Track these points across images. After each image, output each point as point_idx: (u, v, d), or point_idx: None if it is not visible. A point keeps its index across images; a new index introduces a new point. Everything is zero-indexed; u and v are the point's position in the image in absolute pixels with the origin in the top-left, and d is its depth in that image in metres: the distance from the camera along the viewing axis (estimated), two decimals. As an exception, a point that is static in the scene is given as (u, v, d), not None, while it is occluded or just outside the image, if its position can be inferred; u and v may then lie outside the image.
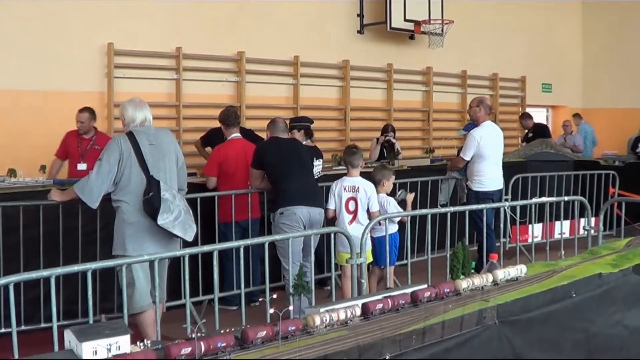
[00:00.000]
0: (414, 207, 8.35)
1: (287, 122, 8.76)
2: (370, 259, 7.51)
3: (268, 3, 12.41)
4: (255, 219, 8.50)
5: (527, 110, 17.82)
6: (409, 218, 7.19)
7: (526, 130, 15.35)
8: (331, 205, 7.70)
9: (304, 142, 8.90)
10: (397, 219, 7.71)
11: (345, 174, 7.87)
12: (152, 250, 5.85)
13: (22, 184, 7.94)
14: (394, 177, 8.16)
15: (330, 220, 7.75)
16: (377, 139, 12.46)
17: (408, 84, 14.99)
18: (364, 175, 7.89)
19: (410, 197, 8.26)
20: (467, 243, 5.19)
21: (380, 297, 4.23)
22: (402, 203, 8.18)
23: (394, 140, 12.34)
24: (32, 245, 7.10)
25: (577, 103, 19.12)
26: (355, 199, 7.59)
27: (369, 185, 7.67)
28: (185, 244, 6.22)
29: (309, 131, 9.59)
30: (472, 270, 4.98)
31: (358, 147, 8.05)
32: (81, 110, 9.43)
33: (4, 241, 7.02)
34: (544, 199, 8.58)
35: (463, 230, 6.83)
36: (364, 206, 7.59)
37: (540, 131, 15.07)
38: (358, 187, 7.61)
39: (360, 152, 7.86)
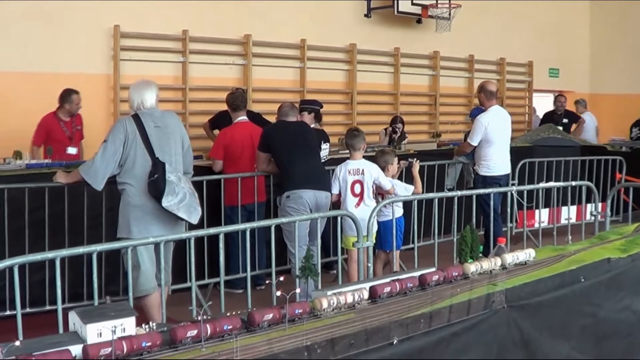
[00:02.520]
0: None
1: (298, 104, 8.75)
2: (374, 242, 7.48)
3: (275, -14, 12.36)
4: (261, 203, 8.46)
5: (534, 95, 17.78)
6: (415, 202, 7.15)
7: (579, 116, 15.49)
8: (335, 190, 7.66)
9: (312, 125, 8.86)
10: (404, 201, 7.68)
11: (348, 158, 7.83)
12: (157, 233, 5.83)
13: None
14: (396, 159, 8.11)
15: (335, 205, 7.72)
16: (386, 130, 12.39)
17: (415, 68, 14.91)
18: (367, 159, 7.85)
19: (415, 165, 8.21)
20: (474, 227, 5.15)
21: (388, 280, 4.21)
22: (409, 174, 8.20)
23: (398, 130, 12.26)
24: (37, 228, 7.08)
25: (585, 88, 19.01)
26: (361, 182, 7.55)
27: (374, 167, 7.63)
28: (191, 227, 6.19)
29: (319, 115, 9.55)
30: (480, 255, 4.95)
31: (360, 129, 8.00)
32: (76, 92, 9.47)
33: (9, 223, 7.00)
34: (551, 184, 8.52)
35: (470, 214, 6.79)
36: (370, 188, 7.55)
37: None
38: (362, 170, 7.58)
39: (362, 135, 7.81)
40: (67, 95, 9.45)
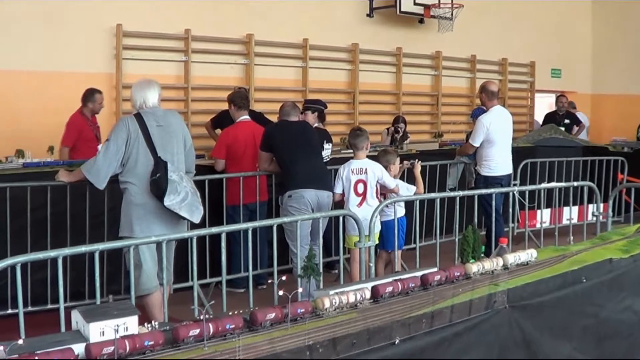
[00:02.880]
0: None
1: (302, 104, 8.74)
2: (376, 242, 7.46)
3: (277, -15, 12.36)
4: (263, 202, 8.47)
5: (537, 95, 17.76)
6: (417, 201, 7.15)
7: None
8: (338, 190, 7.65)
9: (315, 125, 8.86)
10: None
11: (352, 158, 7.82)
12: (159, 232, 5.84)
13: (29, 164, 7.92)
14: (399, 158, 8.11)
15: (337, 204, 7.71)
16: (388, 130, 12.38)
17: (417, 68, 14.91)
18: (369, 159, 7.85)
19: (417, 166, 8.22)
20: (476, 227, 5.15)
21: (390, 280, 4.20)
22: (411, 174, 8.21)
23: (400, 130, 12.24)
24: (39, 227, 7.08)
25: (586, 89, 18.99)
26: (364, 182, 7.55)
27: (377, 166, 7.62)
28: (193, 226, 6.20)
29: (322, 114, 9.55)
30: (482, 255, 4.94)
31: (363, 129, 8.00)
32: (99, 91, 9.52)
33: (11, 222, 6.99)
34: (552, 184, 8.51)
35: (471, 214, 6.79)
36: (373, 188, 7.55)
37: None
38: (366, 169, 7.57)
39: (365, 134, 7.81)
40: (91, 95, 9.48)
